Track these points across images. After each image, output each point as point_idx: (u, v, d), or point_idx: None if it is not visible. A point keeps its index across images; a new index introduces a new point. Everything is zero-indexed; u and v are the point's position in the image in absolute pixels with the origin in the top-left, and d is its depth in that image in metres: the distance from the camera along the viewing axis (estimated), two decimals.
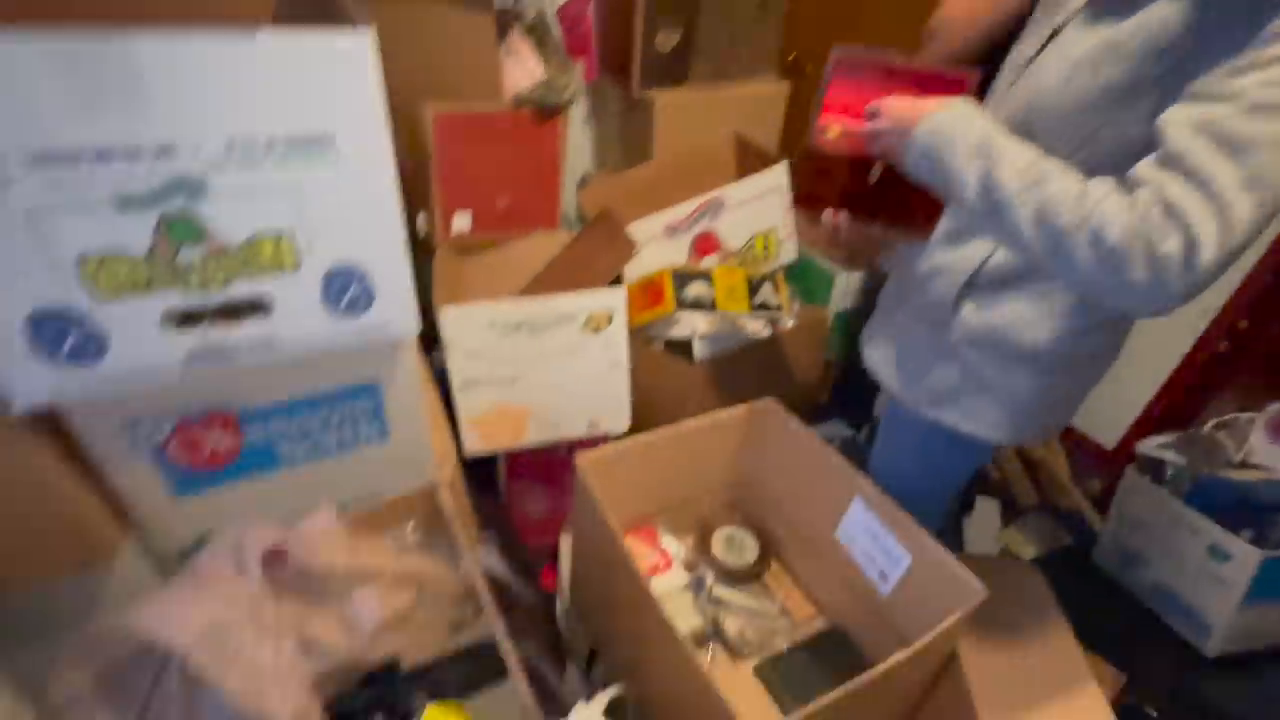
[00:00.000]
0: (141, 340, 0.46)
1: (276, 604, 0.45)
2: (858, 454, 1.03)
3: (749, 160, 1.26)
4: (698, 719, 0.61)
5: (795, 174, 1.08)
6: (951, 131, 0.57)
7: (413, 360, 0.61)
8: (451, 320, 0.83)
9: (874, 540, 0.78)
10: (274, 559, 0.47)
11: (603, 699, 0.63)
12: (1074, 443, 1.44)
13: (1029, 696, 0.76)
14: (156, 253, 0.43)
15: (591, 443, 0.98)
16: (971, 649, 0.74)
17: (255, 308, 0.49)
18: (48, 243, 0.40)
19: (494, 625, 0.50)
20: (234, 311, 0.48)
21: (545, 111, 1.05)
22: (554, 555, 1.05)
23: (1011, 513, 1.31)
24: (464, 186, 1.05)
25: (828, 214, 0.70)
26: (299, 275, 0.48)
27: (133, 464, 0.54)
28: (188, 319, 0.47)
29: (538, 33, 1.09)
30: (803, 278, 1.29)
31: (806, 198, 0.73)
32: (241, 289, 0.47)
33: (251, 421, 0.57)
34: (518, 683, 0.47)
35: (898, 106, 0.62)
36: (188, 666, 0.41)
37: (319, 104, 0.43)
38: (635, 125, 1.35)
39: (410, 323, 0.56)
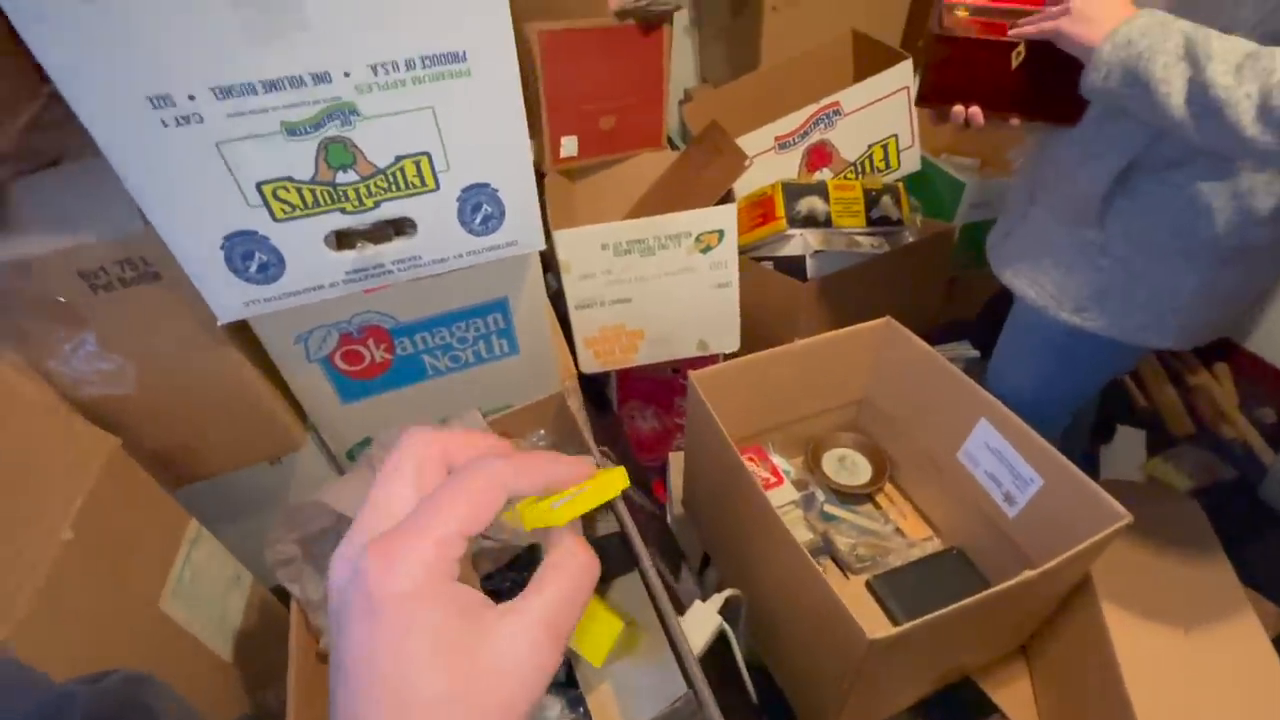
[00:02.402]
0: (311, 258, 0.52)
1: None
2: (983, 376, 0.98)
3: (868, 59, 1.15)
4: (812, 620, 0.63)
5: (918, 66, 0.97)
6: (1146, 40, 0.50)
7: (537, 277, 0.64)
8: (566, 243, 0.86)
9: (1000, 461, 0.75)
10: None
11: (718, 599, 0.67)
12: (1243, 366, 1.27)
13: (1174, 626, 0.72)
14: (319, 176, 0.48)
15: (700, 362, 1.00)
16: (1110, 575, 0.70)
17: (402, 226, 0.53)
18: (235, 171, 0.45)
19: (624, 520, 0.54)
20: (384, 230, 0.53)
21: (649, 22, 1.01)
22: (662, 470, 1.10)
23: (1161, 444, 1.19)
24: (570, 109, 1.04)
25: (957, 110, 0.63)
26: (439, 195, 0.51)
27: (308, 371, 0.62)
28: (346, 238, 0.52)
29: None
30: (927, 188, 1.20)
31: (932, 92, 0.65)
32: (390, 209, 0.51)
33: (401, 335, 0.63)
34: (648, 570, 0.51)
35: None
36: None
37: (452, 21, 0.44)
38: (741, 32, 1.27)
39: (537, 238, 0.59)
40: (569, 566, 0.22)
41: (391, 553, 0.19)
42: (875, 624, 0.78)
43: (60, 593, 0.46)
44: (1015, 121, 0.64)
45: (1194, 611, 0.73)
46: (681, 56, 1.43)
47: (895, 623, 0.78)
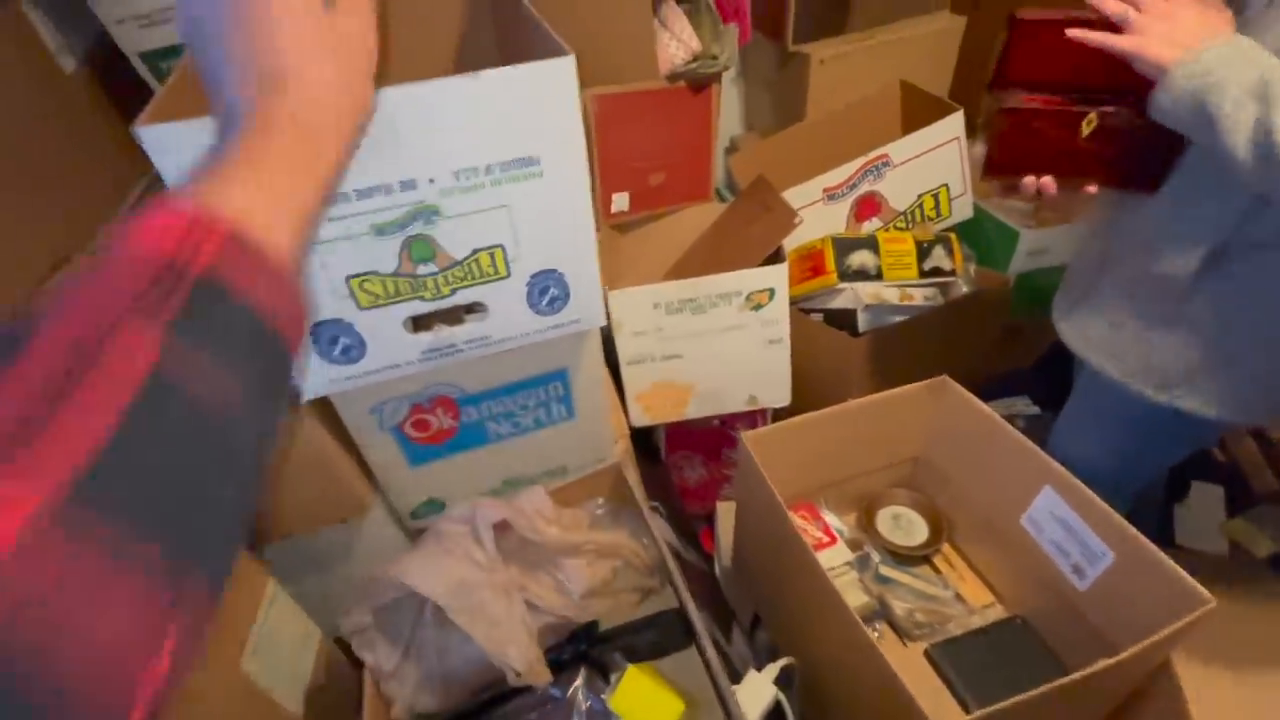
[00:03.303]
0: (390, 341, 0.55)
1: (505, 569, 0.53)
2: (1044, 434, 0.95)
3: (917, 110, 1.15)
4: (867, 693, 0.62)
5: (970, 118, 0.96)
6: (1224, 70, 0.48)
7: (597, 348, 0.66)
8: (619, 303, 0.88)
9: (1067, 532, 0.72)
10: (501, 530, 0.55)
11: (773, 669, 0.66)
12: None
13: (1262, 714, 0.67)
14: (401, 270, 0.51)
15: (749, 416, 1.00)
16: (1191, 655, 0.67)
17: (475, 310, 0.56)
18: (328, 268, 0.48)
19: (683, 596, 0.55)
20: (459, 314, 0.56)
21: (699, 83, 1.03)
22: (709, 518, 1.10)
23: (1241, 502, 1.13)
24: (621, 167, 1.08)
25: (1028, 181, 0.62)
26: (509, 281, 0.54)
27: (381, 440, 0.65)
28: (423, 321, 0.55)
29: (690, 0, 1.07)
30: (979, 236, 1.18)
31: (999, 165, 0.64)
32: (465, 295, 0.54)
33: (466, 404, 0.66)
34: (707, 646, 0.51)
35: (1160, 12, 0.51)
36: (442, 612, 0.50)
37: (528, 129, 0.47)
38: (788, 83, 1.28)
39: (598, 316, 0.61)
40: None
41: None
42: (937, 702, 0.75)
43: None
44: (1092, 189, 0.62)
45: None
46: (727, 105, 1.46)
47: (960, 699, 0.76)
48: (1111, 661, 0.56)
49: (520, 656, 0.49)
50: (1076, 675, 0.55)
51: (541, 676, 0.51)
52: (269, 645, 0.64)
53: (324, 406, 0.62)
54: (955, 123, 1.06)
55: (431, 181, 0.47)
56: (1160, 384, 0.67)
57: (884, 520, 0.95)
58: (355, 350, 0.54)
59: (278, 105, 0.26)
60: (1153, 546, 0.64)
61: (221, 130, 0.27)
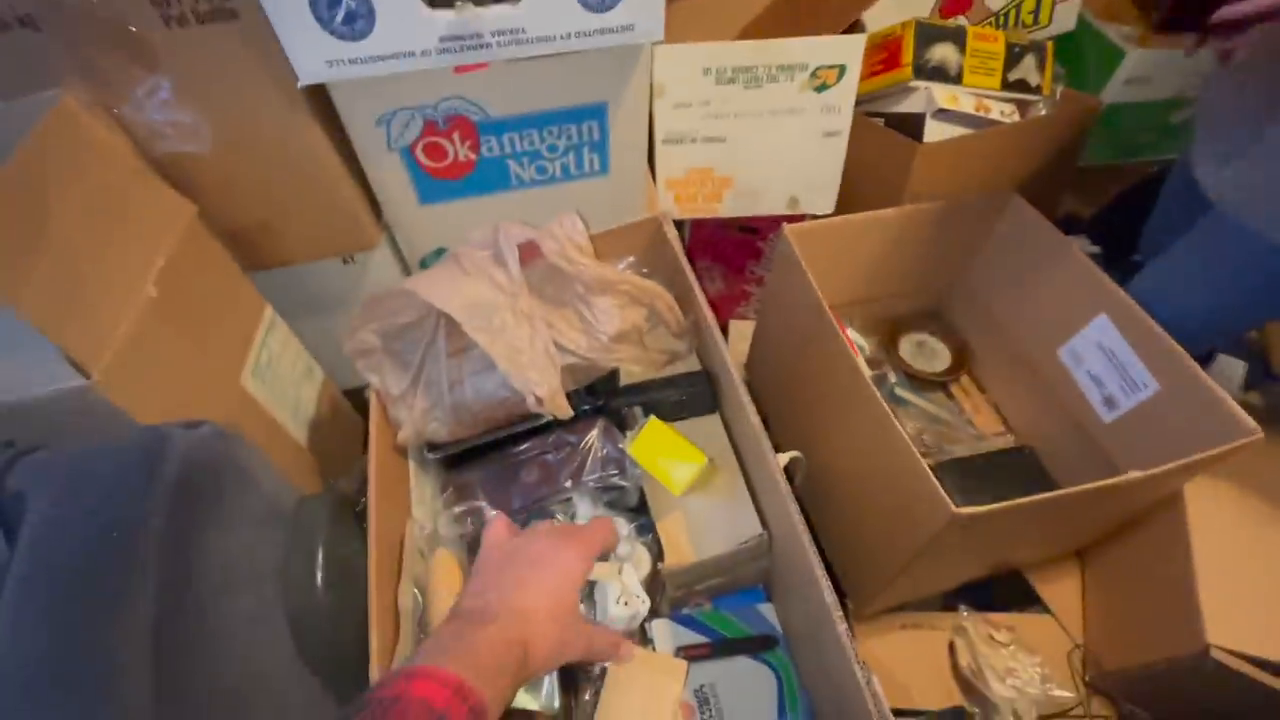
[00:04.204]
0: (403, 15, 0.45)
1: (530, 296, 0.48)
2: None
3: None
4: (886, 490, 0.61)
5: None
6: None
7: (643, 82, 0.56)
8: (664, 62, 0.76)
9: (1110, 362, 0.69)
10: (529, 253, 0.49)
11: (784, 457, 0.65)
12: None
13: (1263, 549, 0.68)
14: None
15: (778, 220, 0.92)
16: (1198, 493, 0.66)
17: None
18: None
19: (721, 352, 0.51)
20: None
21: None
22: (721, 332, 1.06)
23: (1260, 379, 1.10)
24: None
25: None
26: None
27: (388, 161, 0.57)
28: None
29: None
30: (1077, 53, 1.03)
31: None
32: None
33: (488, 133, 0.57)
34: (747, 407, 0.48)
35: None
36: (456, 343, 0.46)
37: None
38: None
39: (656, 25, 0.50)
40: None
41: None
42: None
43: (145, 346, 0.45)
44: None
45: None
46: None
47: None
48: (1139, 475, 0.54)
49: (541, 382, 0.46)
50: (1097, 484, 0.53)
51: (563, 409, 0.48)
52: (269, 370, 0.61)
53: (327, 111, 0.53)
54: None
55: None
56: None
57: (907, 345, 0.92)
58: (361, 20, 0.44)
59: (523, 628, 0.36)
60: (1206, 377, 0.61)
61: (470, 614, 0.36)
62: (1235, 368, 1.14)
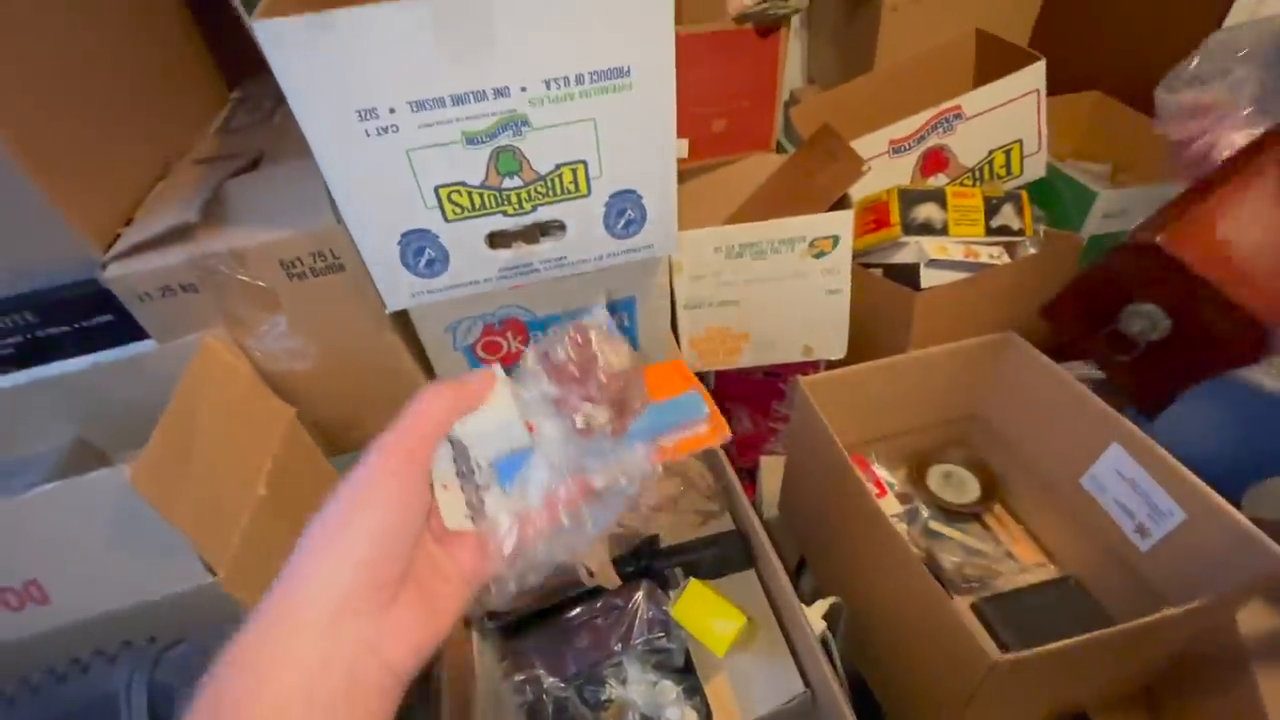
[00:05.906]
0: (471, 255, 0.56)
1: None
2: (1109, 398, 0.92)
3: (993, 61, 1.10)
4: (924, 636, 0.62)
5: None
6: None
7: (665, 278, 0.67)
8: (681, 245, 0.88)
9: (1134, 490, 0.71)
10: None
11: (822, 605, 0.67)
12: None
13: None
14: (488, 182, 0.52)
15: (800, 368, 1.00)
16: (1256, 617, 0.65)
17: (551, 232, 0.57)
18: (419, 176, 0.50)
19: (747, 515, 0.56)
20: (535, 234, 0.57)
21: (766, 26, 1.01)
22: (751, 472, 1.11)
23: None
24: (682, 112, 1.05)
25: None
26: (589, 200, 0.55)
27: (453, 359, 0.67)
28: (502, 238, 0.57)
29: None
30: (1052, 196, 1.14)
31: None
32: (545, 212, 0.55)
33: (536, 328, 0.67)
34: (775, 565, 0.52)
35: None
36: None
37: (623, 40, 0.47)
38: (856, 32, 1.24)
39: (671, 243, 0.61)
40: None
41: None
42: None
43: (256, 543, 0.52)
44: None
45: None
46: (789, 57, 1.42)
47: (1004, 650, 0.76)
48: (1174, 612, 0.55)
49: (593, 557, 0.51)
50: (1136, 622, 0.54)
51: (613, 580, 0.53)
52: None
53: (403, 324, 0.64)
54: (1036, 73, 1.02)
55: (523, 90, 0.47)
56: None
57: (935, 478, 0.95)
58: (439, 263, 0.56)
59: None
60: (1227, 504, 0.62)
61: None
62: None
